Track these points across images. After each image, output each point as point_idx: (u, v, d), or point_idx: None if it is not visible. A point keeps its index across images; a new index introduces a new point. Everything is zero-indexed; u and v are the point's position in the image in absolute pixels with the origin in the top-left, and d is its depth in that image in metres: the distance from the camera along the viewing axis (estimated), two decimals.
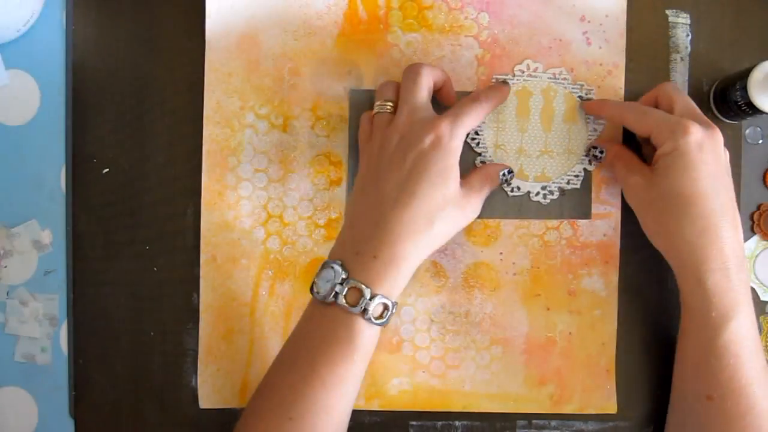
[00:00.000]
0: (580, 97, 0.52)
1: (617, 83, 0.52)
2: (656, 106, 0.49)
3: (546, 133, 0.52)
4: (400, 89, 0.48)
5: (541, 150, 0.52)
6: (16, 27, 0.51)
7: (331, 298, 0.43)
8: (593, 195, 0.53)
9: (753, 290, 0.52)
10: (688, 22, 0.53)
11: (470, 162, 0.52)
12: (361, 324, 0.43)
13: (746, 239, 0.53)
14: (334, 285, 0.43)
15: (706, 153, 0.45)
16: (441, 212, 0.45)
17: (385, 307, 0.44)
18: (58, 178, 0.53)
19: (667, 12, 0.53)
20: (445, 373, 0.53)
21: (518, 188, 0.52)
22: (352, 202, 0.47)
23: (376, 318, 0.43)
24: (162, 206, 0.53)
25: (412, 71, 0.48)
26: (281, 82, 0.52)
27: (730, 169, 0.47)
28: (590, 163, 0.52)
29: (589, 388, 0.52)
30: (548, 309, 0.53)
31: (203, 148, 0.52)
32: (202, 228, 0.52)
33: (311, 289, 0.45)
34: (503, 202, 0.53)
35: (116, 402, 0.53)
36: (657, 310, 0.53)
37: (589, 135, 0.52)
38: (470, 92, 0.52)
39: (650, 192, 0.47)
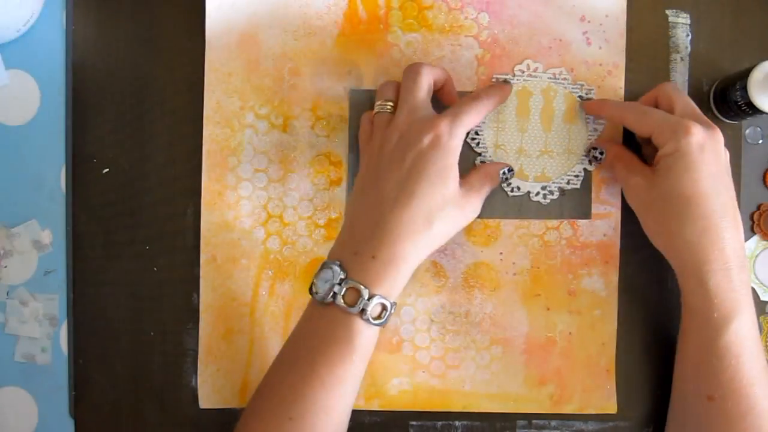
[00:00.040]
0: (580, 97, 0.52)
1: (617, 83, 0.52)
2: (656, 107, 0.49)
3: (546, 133, 0.52)
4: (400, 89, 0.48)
5: (541, 150, 0.52)
6: (16, 27, 0.51)
7: (329, 299, 0.43)
8: (593, 195, 0.53)
9: (753, 290, 0.52)
10: (688, 22, 0.53)
11: (470, 162, 0.52)
12: (360, 324, 0.43)
13: (746, 239, 0.53)
14: (333, 285, 0.43)
15: (707, 153, 0.45)
16: (440, 212, 0.45)
17: (384, 308, 0.43)
18: (58, 178, 0.53)
19: (667, 12, 0.53)
20: (445, 373, 0.53)
21: (518, 188, 0.52)
22: (352, 201, 0.47)
23: (375, 318, 0.43)
24: (162, 206, 0.53)
25: (412, 71, 0.48)
26: (281, 82, 0.52)
27: (730, 169, 0.47)
28: (590, 163, 0.52)
29: (589, 388, 0.52)
30: (548, 309, 0.53)
31: (203, 148, 0.52)
32: (202, 228, 0.52)
33: (310, 289, 0.45)
34: (503, 202, 0.53)
35: (116, 402, 0.53)
36: (657, 310, 0.53)
37: (589, 135, 0.52)
38: (470, 92, 0.52)
39: (651, 192, 0.47)
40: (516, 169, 0.52)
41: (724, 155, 0.46)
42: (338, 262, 0.44)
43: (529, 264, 0.53)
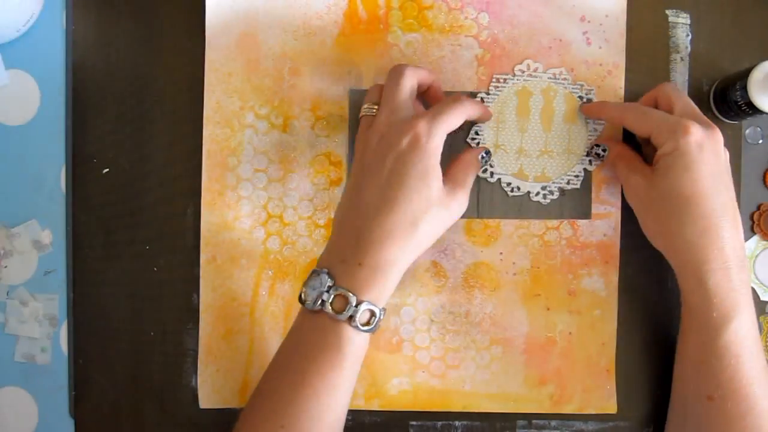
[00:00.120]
0: (580, 97, 0.52)
1: (617, 83, 0.52)
2: (656, 107, 0.49)
3: (546, 133, 0.52)
4: None
5: (541, 150, 0.52)
6: (16, 27, 0.51)
7: (318, 306, 0.43)
8: (593, 195, 0.53)
9: (753, 290, 0.52)
10: (688, 22, 0.53)
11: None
12: (349, 331, 0.43)
13: (746, 239, 0.53)
14: (321, 293, 0.43)
15: (706, 153, 0.45)
16: (425, 214, 0.44)
17: (373, 314, 0.43)
18: (58, 178, 0.53)
19: (667, 12, 0.53)
20: (445, 373, 0.53)
21: (518, 188, 0.52)
22: (339, 208, 0.47)
23: (363, 325, 0.43)
24: (162, 206, 0.53)
25: (395, 72, 0.47)
26: (281, 82, 0.52)
27: (729, 169, 0.47)
28: (590, 162, 0.52)
29: (589, 388, 0.52)
30: (548, 309, 0.53)
31: (203, 148, 0.52)
32: (202, 228, 0.52)
33: (300, 297, 0.44)
34: (503, 202, 0.53)
35: (116, 402, 0.53)
36: (657, 310, 0.53)
37: (589, 135, 0.52)
38: (470, 92, 0.52)
39: (651, 192, 0.47)
40: (516, 169, 0.52)
41: (724, 155, 0.46)
42: (326, 270, 0.44)
43: (529, 264, 0.53)
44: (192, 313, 0.53)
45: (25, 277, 0.54)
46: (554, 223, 0.53)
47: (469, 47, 0.52)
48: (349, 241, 0.44)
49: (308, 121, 0.53)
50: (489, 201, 0.52)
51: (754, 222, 0.53)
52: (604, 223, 0.53)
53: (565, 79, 0.52)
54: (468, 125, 0.52)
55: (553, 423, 0.53)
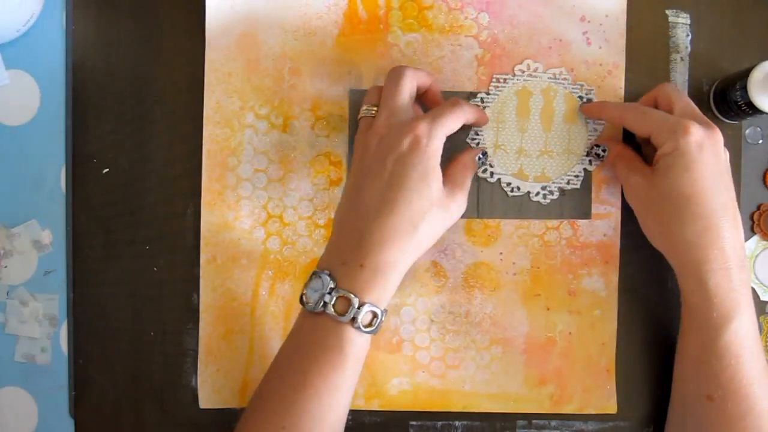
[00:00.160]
0: (580, 97, 0.52)
1: (617, 83, 0.52)
2: (656, 107, 0.49)
3: (546, 133, 0.52)
4: None
5: (541, 150, 0.52)
6: (16, 27, 0.51)
7: (320, 308, 0.43)
8: (593, 195, 0.53)
9: (753, 290, 0.52)
10: (688, 22, 0.53)
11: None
12: (351, 333, 0.43)
13: (746, 239, 0.53)
14: (323, 295, 0.43)
15: (706, 153, 0.45)
16: (425, 216, 0.44)
17: (374, 315, 0.43)
18: (58, 178, 0.53)
19: (667, 12, 0.53)
20: (445, 373, 0.53)
21: (518, 188, 0.52)
22: (339, 209, 0.47)
23: (366, 326, 0.43)
24: (162, 206, 0.53)
25: (395, 74, 0.47)
26: (281, 82, 0.52)
27: (729, 169, 0.47)
28: (590, 162, 0.52)
29: (589, 388, 0.52)
30: (548, 309, 0.53)
31: (203, 148, 0.52)
32: (202, 228, 0.52)
33: (301, 299, 0.44)
34: (503, 202, 0.53)
35: (116, 402, 0.53)
36: (657, 310, 0.53)
37: (589, 135, 0.52)
38: (470, 92, 0.52)
39: (651, 192, 0.47)
40: (516, 169, 0.52)
41: (724, 155, 0.46)
42: (327, 272, 0.44)
43: (529, 264, 0.53)
44: (192, 313, 0.53)
45: (25, 277, 0.54)
46: (554, 223, 0.53)
47: (469, 47, 0.52)
48: (350, 242, 0.44)
49: (308, 121, 0.53)
50: (489, 201, 0.52)
51: (754, 222, 0.53)
52: (604, 223, 0.53)
53: (565, 79, 0.52)
54: (467, 126, 0.52)
55: (553, 423, 0.53)
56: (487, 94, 0.52)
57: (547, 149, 0.52)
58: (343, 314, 0.43)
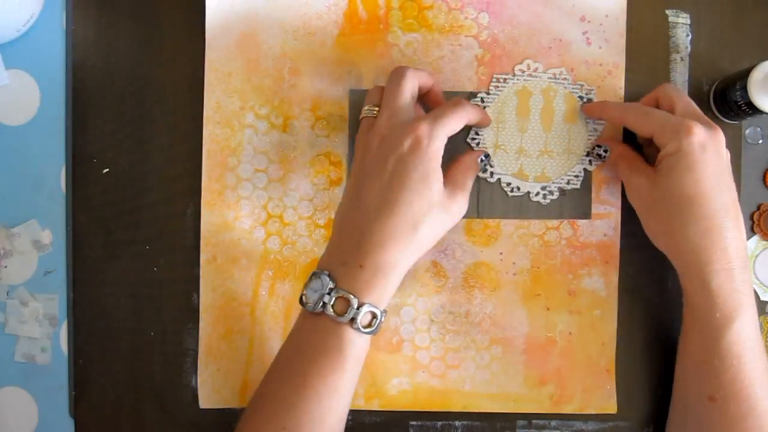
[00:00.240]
0: (580, 97, 0.52)
1: (617, 83, 0.52)
2: (656, 108, 0.49)
3: (546, 133, 0.52)
4: None
5: (541, 150, 0.52)
6: (16, 27, 0.51)
7: (319, 308, 0.43)
8: (593, 195, 0.53)
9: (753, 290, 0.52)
10: (688, 22, 0.53)
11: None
12: (350, 333, 0.43)
13: (746, 239, 0.53)
14: (322, 295, 0.43)
15: (708, 153, 0.45)
16: (425, 217, 0.44)
17: (374, 316, 0.43)
18: (58, 178, 0.53)
19: (667, 12, 0.53)
20: (445, 373, 0.53)
21: (518, 188, 0.52)
22: (339, 210, 0.47)
23: (365, 327, 0.43)
24: (162, 206, 0.53)
25: (396, 74, 0.47)
26: (281, 82, 0.52)
27: (731, 169, 0.47)
28: (590, 162, 0.52)
29: (589, 388, 0.52)
30: (548, 309, 0.53)
31: (203, 148, 0.52)
32: (202, 228, 0.52)
33: (300, 299, 0.44)
34: (503, 202, 0.53)
35: (116, 402, 0.53)
36: (657, 310, 0.53)
37: (589, 135, 0.52)
38: (470, 92, 0.52)
39: (653, 193, 0.47)
40: (516, 169, 0.52)
41: (726, 155, 0.46)
42: (327, 272, 0.44)
43: (529, 264, 0.53)
44: (192, 313, 0.53)
45: (25, 277, 0.54)
46: (554, 223, 0.53)
47: (469, 47, 0.52)
48: (350, 242, 0.44)
49: (308, 121, 0.53)
50: (489, 201, 0.52)
51: (754, 222, 0.53)
52: (604, 223, 0.53)
53: (565, 79, 0.52)
54: (467, 126, 0.52)
55: (553, 423, 0.53)
56: (487, 94, 0.52)
57: (547, 149, 0.52)
58: (342, 315, 0.43)
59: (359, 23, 0.52)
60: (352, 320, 0.43)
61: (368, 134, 0.47)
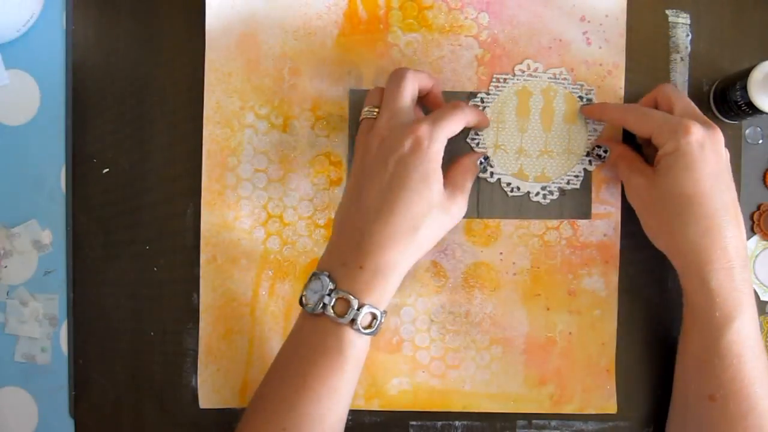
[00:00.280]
0: (580, 97, 0.52)
1: (617, 83, 0.52)
2: (656, 108, 0.49)
3: (546, 133, 0.52)
4: None
5: (541, 150, 0.52)
6: (16, 27, 0.51)
7: (319, 309, 0.43)
8: (593, 195, 0.53)
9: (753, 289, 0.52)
10: (688, 22, 0.53)
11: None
12: (350, 334, 0.43)
13: (746, 239, 0.53)
14: (322, 296, 0.43)
15: (707, 152, 0.45)
16: (425, 218, 0.44)
17: (374, 317, 0.43)
18: (58, 178, 0.53)
19: (667, 12, 0.53)
20: (445, 373, 0.53)
21: (518, 188, 0.52)
22: (339, 210, 0.47)
23: (365, 328, 0.43)
24: (162, 206, 0.53)
25: (397, 75, 0.47)
26: (281, 82, 0.52)
27: (730, 168, 0.47)
28: (590, 163, 0.52)
29: (589, 388, 0.52)
30: (548, 309, 0.53)
31: (203, 148, 0.52)
32: (202, 228, 0.52)
33: (300, 300, 0.44)
34: (503, 202, 0.53)
35: (116, 402, 0.53)
36: (657, 310, 0.53)
37: (589, 135, 0.52)
38: (470, 92, 0.52)
39: (653, 192, 0.47)
40: (516, 169, 0.52)
41: (725, 154, 0.46)
42: (327, 273, 0.44)
43: (529, 264, 0.53)
44: (192, 313, 0.53)
45: (25, 277, 0.54)
46: (554, 223, 0.53)
47: (469, 47, 0.52)
48: (350, 243, 0.44)
49: (308, 121, 0.53)
50: (489, 201, 0.52)
51: (754, 222, 0.53)
52: (604, 223, 0.53)
53: (565, 79, 0.52)
54: (467, 128, 0.52)
55: (553, 423, 0.53)
56: (487, 94, 0.52)
57: (547, 149, 0.52)
58: (342, 316, 0.43)
59: (359, 23, 0.52)
60: (353, 321, 0.43)
61: (368, 135, 0.47)
